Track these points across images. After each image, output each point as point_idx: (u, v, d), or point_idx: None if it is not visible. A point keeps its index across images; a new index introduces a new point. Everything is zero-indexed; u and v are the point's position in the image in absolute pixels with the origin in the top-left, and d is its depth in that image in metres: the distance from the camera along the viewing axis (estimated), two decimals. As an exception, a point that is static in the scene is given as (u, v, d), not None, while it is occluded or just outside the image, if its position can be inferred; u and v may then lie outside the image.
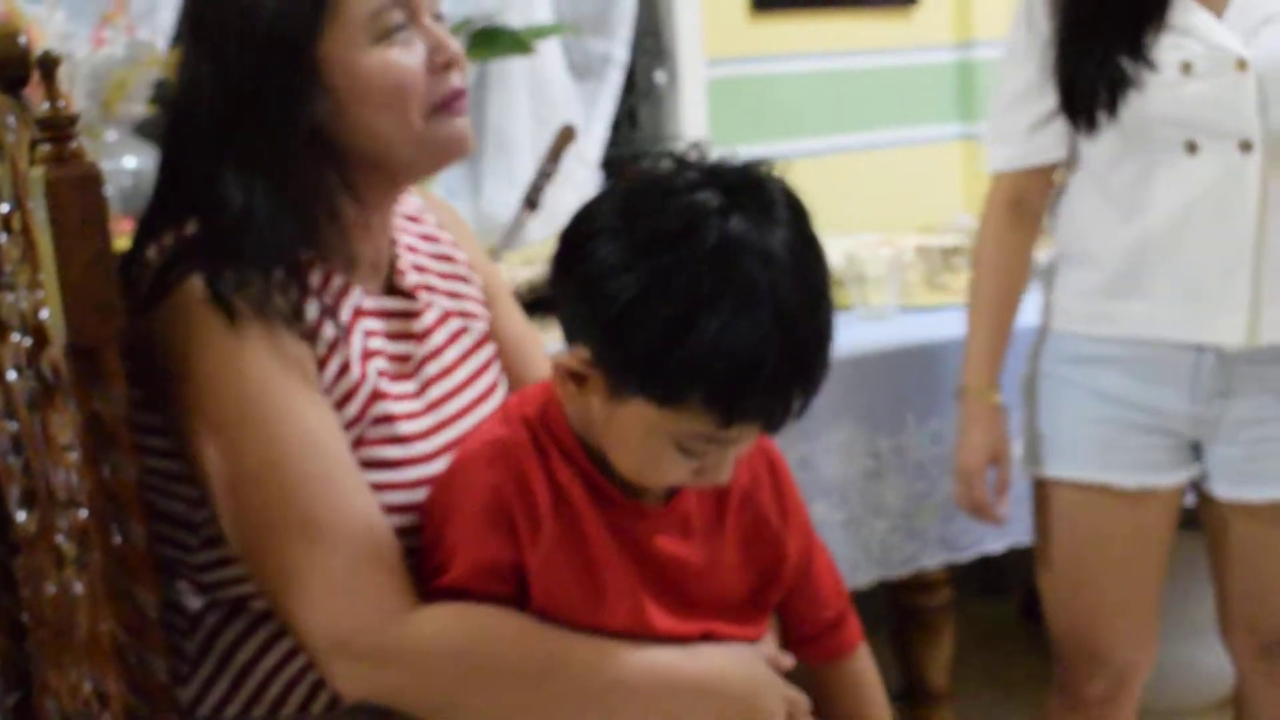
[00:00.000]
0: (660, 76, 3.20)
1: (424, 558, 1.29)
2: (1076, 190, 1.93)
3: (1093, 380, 1.91)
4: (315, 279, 1.30)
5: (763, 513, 1.36)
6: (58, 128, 1.18)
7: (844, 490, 2.08)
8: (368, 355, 1.31)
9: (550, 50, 2.86)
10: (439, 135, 1.32)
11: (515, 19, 2.75)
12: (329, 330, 1.28)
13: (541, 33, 2.65)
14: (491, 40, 2.39)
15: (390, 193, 1.36)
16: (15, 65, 1.29)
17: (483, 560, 1.25)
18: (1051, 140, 1.90)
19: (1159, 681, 2.74)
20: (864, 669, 1.47)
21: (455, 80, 1.33)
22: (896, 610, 2.41)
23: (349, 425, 1.28)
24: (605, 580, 1.27)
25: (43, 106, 1.19)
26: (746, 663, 1.32)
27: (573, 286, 1.19)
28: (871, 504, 2.11)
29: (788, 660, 1.37)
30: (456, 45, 1.33)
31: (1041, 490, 1.99)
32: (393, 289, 1.39)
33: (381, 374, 1.32)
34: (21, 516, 1.40)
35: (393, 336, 1.36)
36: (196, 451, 1.25)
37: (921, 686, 2.43)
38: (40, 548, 1.37)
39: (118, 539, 1.22)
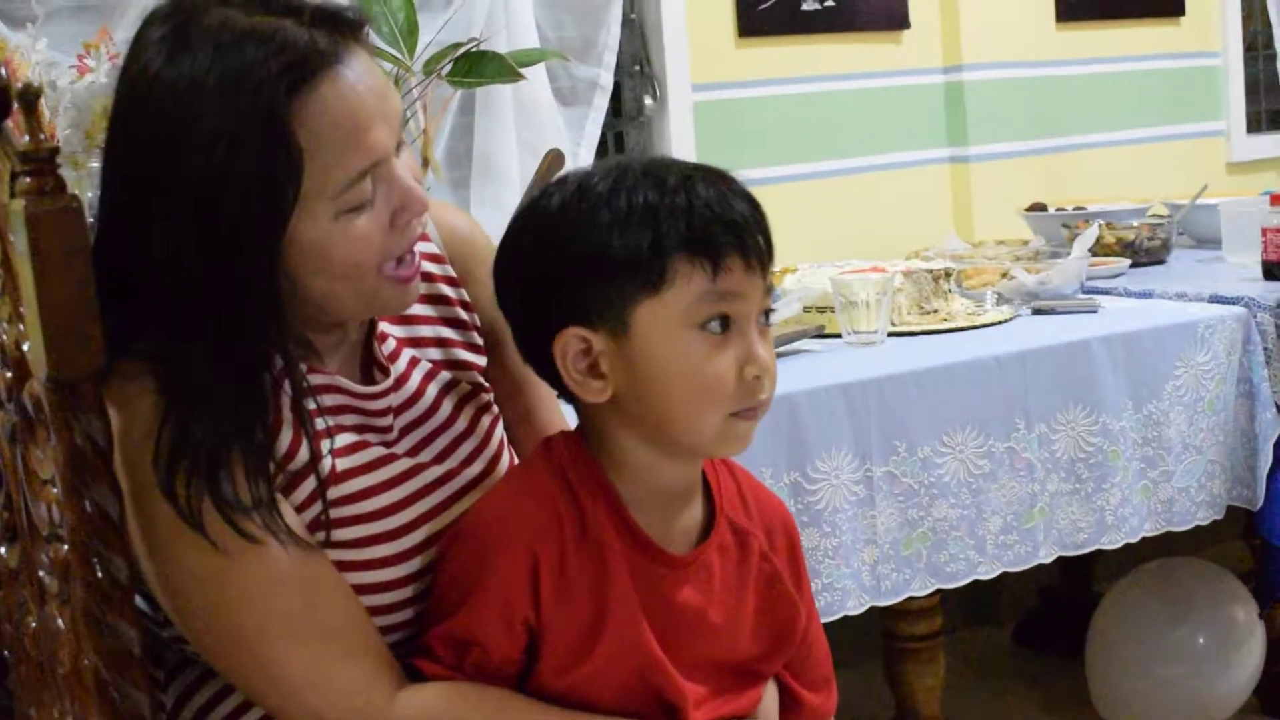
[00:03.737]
0: (647, 101, 3.20)
1: (439, 595, 1.28)
2: None
3: None
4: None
5: (779, 572, 1.36)
6: (39, 161, 1.17)
7: (835, 517, 2.07)
8: (322, 434, 1.27)
9: (537, 75, 2.86)
10: (384, 295, 1.27)
11: (501, 45, 2.74)
12: (271, 414, 1.24)
13: (530, 58, 2.65)
14: (480, 65, 2.38)
15: (334, 328, 1.31)
16: (-4, 97, 1.28)
17: (499, 605, 1.24)
18: None
19: (1144, 707, 2.73)
20: None
21: (416, 229, 1.27)
22: (888, 638, 2.40)
23: (300, 508, 1.25)
24: (613, 622, 1.26)
25: (23, 139, 1.18)
26: None
27: (536, 279, 1.25)
28: (863, 531, 2.10)
29: None
30: (422, 195, 1.26)
31: None
32: (370, 359, 1.35)
33: (340, 451, 1.28)
34: (2, 551, 1.38)
35: (360, 407, 1.32)
36: (139, 550, 1.23)
37: (913, 714, 2.42)
38: (22, 582, 1.35)
39: (99, 572, 1.21)
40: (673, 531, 1.30)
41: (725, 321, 1.22)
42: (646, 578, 1.27)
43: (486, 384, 1.43)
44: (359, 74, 1.21)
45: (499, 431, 1.42)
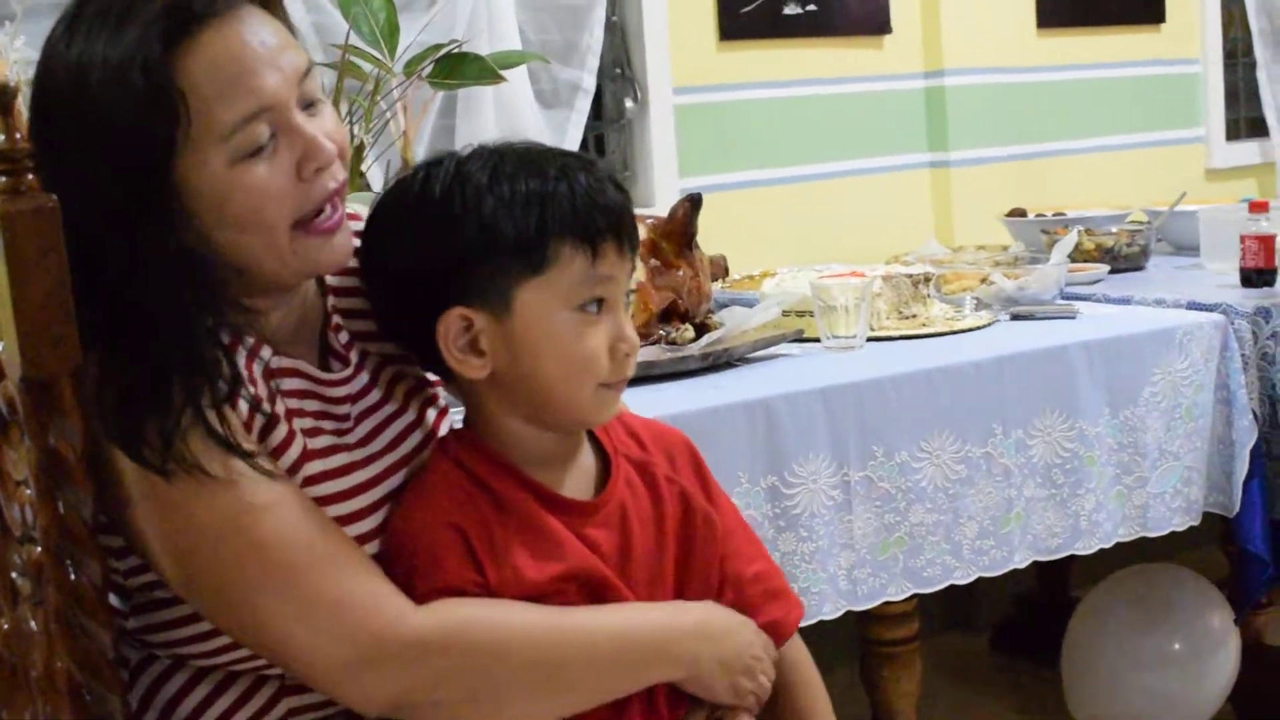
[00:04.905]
0: (628, 104, 3.20)
1: None
2: None
3: None
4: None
5: (687, 490, 1.41)
6: (14, 160, 1.17)
7: (811, 522, 2.07)
8: (291, 414, 1.29)
9: (518, 78, 2.85)
10: (306, 253, 1.26)
11: (483, 46, 2.74)
12: (248, 389, 1.25)
13: (511, 60, 2.65)
14: (461, 67, 2.37)
15: (271, 293, 1.31)
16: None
17: (450, 589, 1.26)
18: None
19: (1120, 712, 2.74)
20: (802, 660, 1.51)
21: (328, 183, 1.26)
22: (864, 643, 2.40)
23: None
24: (566, 558, 1.30)
25: (-1, 138, 1.18)
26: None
27: (420, 264, 1.30)
28: (840, 536, 2.10)
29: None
30: (329, 146, 1.26)
31: None
32: (325, 347, 1.36)
33: (306, 433, 1.29)
34: (-25, 552, 1.37)
35: (321, 394, 1.33)
36: (131, 520, 1.23)
37: (889, 719, 2.42)
38: (-6, 584, 1.34)
39: (73, 575, 1.20)
40: (571, 485, 1.35)
41: (600, 303, 1.30)
42: (570, 529, 1.32)
43: (431, 378, 1.44)
44: (249, 27, 1.23)
45: (445, 426, 1.44)
